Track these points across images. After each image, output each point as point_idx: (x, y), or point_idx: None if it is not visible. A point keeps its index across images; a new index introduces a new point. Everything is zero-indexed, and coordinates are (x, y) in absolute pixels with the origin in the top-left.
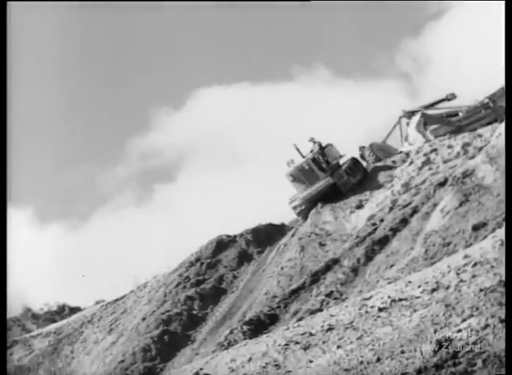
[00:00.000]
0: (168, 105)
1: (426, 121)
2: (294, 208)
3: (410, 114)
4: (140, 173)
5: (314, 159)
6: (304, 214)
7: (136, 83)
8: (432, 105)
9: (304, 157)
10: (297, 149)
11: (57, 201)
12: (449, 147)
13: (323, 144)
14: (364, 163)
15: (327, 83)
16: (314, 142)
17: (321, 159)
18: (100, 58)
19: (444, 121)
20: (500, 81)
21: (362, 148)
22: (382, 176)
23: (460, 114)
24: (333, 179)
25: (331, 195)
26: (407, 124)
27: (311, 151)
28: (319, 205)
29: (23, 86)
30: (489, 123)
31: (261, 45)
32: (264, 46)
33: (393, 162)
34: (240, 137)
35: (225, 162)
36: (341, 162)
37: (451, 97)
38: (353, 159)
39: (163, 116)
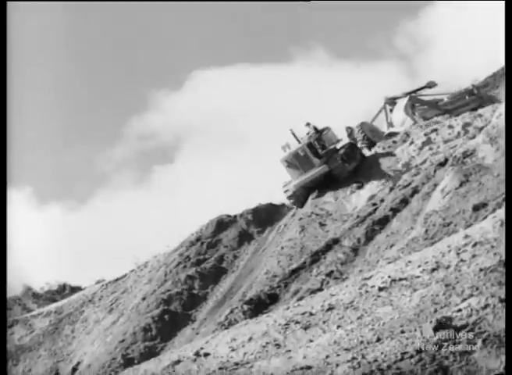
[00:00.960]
0: (166, 86)
1: (414, 104)
2: (287, 194)
3: (392, 100)
4: (139, 154)
5: (309, 145)
6: (297, 201)
7: (135, 64)
8: (413, 92)
9: (299, 142)
10: (293, 134)
11: (55, 182)
12: (450, 127)
13: (320, 128)
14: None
15: (326, 65)
16: (309, 125)
17: (317, 144)
18: (99, 41)
19: (432, 104)
20: (499, 60)
21: (349, 129)
22: (384, 164)
23: (446, 99)
24: (328, 166)
25: (325, 183)
26: (390, 110)
27: (307, 134)
28: (316, 192)
29: (23, 68)
30: (475, 109)
31: (260, 27)
32: (263, 27)
33: (394, 142)
34: (238, 118)
35: (223, 142)
36: (339, 145)
37: (432, 84)
38: (351, 144)
39: (161, 98)
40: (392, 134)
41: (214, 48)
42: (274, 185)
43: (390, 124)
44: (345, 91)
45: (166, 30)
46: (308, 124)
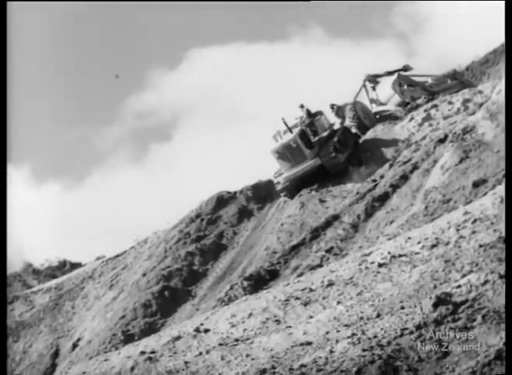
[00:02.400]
0: (163, 65)
1: (401, 82)
2: (278, 186)
3: (374, 78)
4: (136, 133)
5: (301, 135)
6: (288, 193)
7: (132, 43)
8: (392, 73)
9: (291, 132)
10: (285, 123)
11: (53, 161)
12: (450, 103)
13: (313, 112)
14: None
15: (323, 44)
16: (303, 107)
17: (309, 131)
18: (96, 19)
19: (419, 84)
20: (497, 38)
21: (334, 106)
22: (383, 148)
23: (430, 80)
24: (321, 159)
25: (317, 175)
26: (372, 88)
27: (300, 118)
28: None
29: (22, 48)
30: (459, 91)
31: (257, 5)
32: (261, 6)
33: (395, 117)
34: (236, 96)
35: (221, 120)
36: (334, 128)
37: (408, 67)
38: (344, 129)
39: (158, 76)
40: (380, 114)
41: (210, 26)
42: (273, 162)
43: (374, 101)
44: (343, 69)
45: (162, 8)
46: (302, 106)
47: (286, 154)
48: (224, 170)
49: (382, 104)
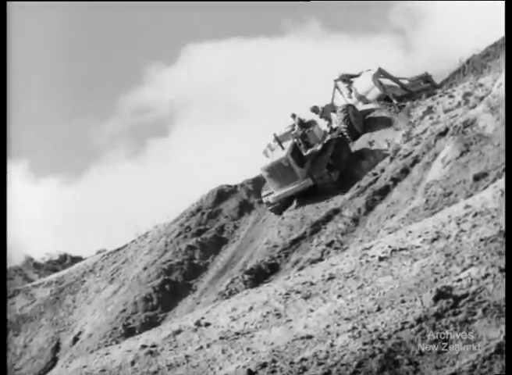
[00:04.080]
0: (160, 60)
1: (379, 80)
2: (267, 203)
3: (347, 77)
4: (133, 128)
5: (293, 150)
6: (277, 211)
7: (129, 39)
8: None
9: (283, 148)
10: (276, 138)
11: (52, 156)
12: (451, 96)
13: (306, 121)
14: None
15: (321, 39)
16: (294, 116)
17: (302, 142)
18: (94, 16)
19: (397, 82)
20: (496, 34)
21: (316, 108)
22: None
23: (406, 81)
24: (313, 179)
25: (309, 194)
26: (348, 88)
27: (292, 127)
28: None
29: (20, 43)
30: (430, 94)
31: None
32: (260, 3)
33: (387, 120)
34: (234, 90)
35: (220, 115)
36: (327, 137)
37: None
38: (338, 141)
39: (156, 72)
40: (367, 112)
41: (208, 21)
42: None
43: (350, 96)
44: (340, 65)
45: (159, 4)
46: (294, 116)
47: (277, 173)
48: (223, 164)
49: (361, 97)
